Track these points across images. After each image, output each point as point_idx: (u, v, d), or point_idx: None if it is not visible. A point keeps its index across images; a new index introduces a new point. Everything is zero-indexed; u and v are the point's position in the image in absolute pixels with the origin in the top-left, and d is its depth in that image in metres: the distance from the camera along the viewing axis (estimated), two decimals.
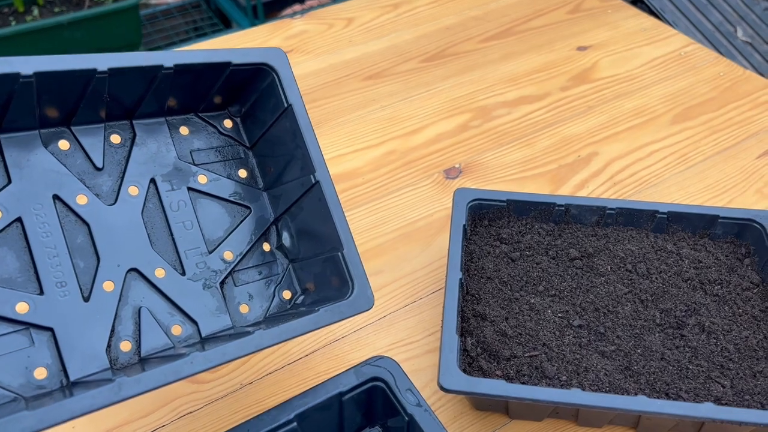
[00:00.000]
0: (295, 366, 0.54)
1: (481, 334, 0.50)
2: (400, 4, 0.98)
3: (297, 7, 1.90)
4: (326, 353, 0.55)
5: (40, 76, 0.39)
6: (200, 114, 0.50)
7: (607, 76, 0.84)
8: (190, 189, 0.47)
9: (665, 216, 0.57)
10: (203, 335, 0.45)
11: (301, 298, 0.48)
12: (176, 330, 0.44)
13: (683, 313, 0.51)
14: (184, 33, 1.88)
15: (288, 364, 0.54)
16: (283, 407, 0.44)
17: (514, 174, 0.71)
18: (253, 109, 0.50)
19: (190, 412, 0.51)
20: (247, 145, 0.50)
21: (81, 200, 0.43)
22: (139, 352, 0.42)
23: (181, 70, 0.44)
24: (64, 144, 0.44)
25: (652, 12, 1.51)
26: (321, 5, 1.83)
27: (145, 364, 0.41)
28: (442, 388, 0.45)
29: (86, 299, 0.42)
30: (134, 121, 0.47)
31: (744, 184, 0.69)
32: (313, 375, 0.53)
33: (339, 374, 0.46)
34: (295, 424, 0.44)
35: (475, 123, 0.77)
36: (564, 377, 0.47)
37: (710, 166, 0.71)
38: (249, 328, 0.43)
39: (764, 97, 0.80)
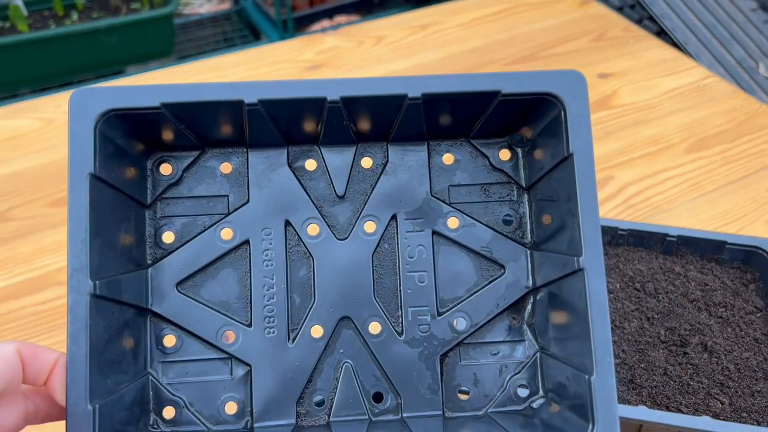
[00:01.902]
0: None
1: None
2: (428, 25, 1.01)
3: (326, 23, 1.95)
4: None
5: (265, 103, 0.36)
6: (473, 140, 0.41)
7: (626, 103, 0.87)
8: (434, 233, 0.40)
9: (675, 239, 0.59)
10: (404, 414, 0.38)
11: (540, 402, 0.38)
12: (378, 399, 0.38)
13: (687, 332, 0.53)
14: (214, 43, 1.94)
15: None
16: None
17: None
18: (537, 142, 0.40)
19: None
20: (524, 185, 0.41)
21: (312, 230, 0.39)
22: (330, 412, 0.38)
23: (433, 99, 0.37)
24: (311, 164, 0.40)
25: (675, 44, 1.54)
26: (349, 22, 1.87)
27: (333, 427, 0.37)
28: None
29: (291, 341, 0.38)
30: (389, 144, 0.40)
31: (754, 214, 0.71)
32: None
33: None
34: None
35: None
36: None
37: (722, 195, 0.74)
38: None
39: None
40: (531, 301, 0.40)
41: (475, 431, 0.36)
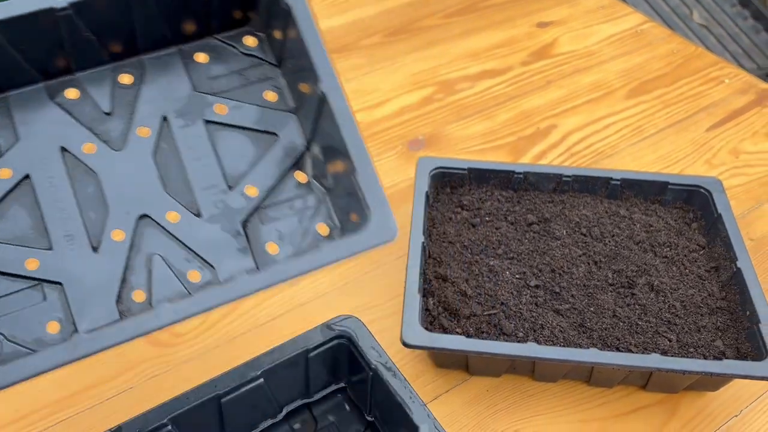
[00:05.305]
0: (261, 329, 0.55)
1: (442, 294, 0.52)
2: None
3: None
4: (292, 316, 0.56)
5: None
6: (216, 36, 0.44)
7: (566, 51, 0.86)
8: (207, 122, 0.43)
9: (619, 183, 0.59)
10: (222, 280, 0.41)
11: (339, 230, 0.43)
12: (193, 276, 0.41)
13: (634, 274, 0.54)
14: None
15: (254, 327, 0.55)
16: (250, 364, 0.46)
17: (476, 146, 0.73)
18: (272, 22, 0.43)
19: (156, 375, 0.52)
20: (274, 62, 0.45)
21: (88, 149, 0.41)
22: (151, 302, 0.40)
23: None
24: (71, 92, 0.42)
25: None
26: None
27: None
28: (404, 344, 0.46)
29: (95, 250, 0.40)
30: (143, 56, 0.43)
31: (694, 155, 0.72)
32: (279, 336, 0.54)
33: (305, 332, 0.47)
34: (261, 380, 0.45)
35: (439, 96, 0.79)
36: (521, 334, 0.49)
37: (663, 138, 0.74)
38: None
39: (715, 73, 0.83)
40: (309, 156, 0.43)
41: (246, 277, 0.39)
